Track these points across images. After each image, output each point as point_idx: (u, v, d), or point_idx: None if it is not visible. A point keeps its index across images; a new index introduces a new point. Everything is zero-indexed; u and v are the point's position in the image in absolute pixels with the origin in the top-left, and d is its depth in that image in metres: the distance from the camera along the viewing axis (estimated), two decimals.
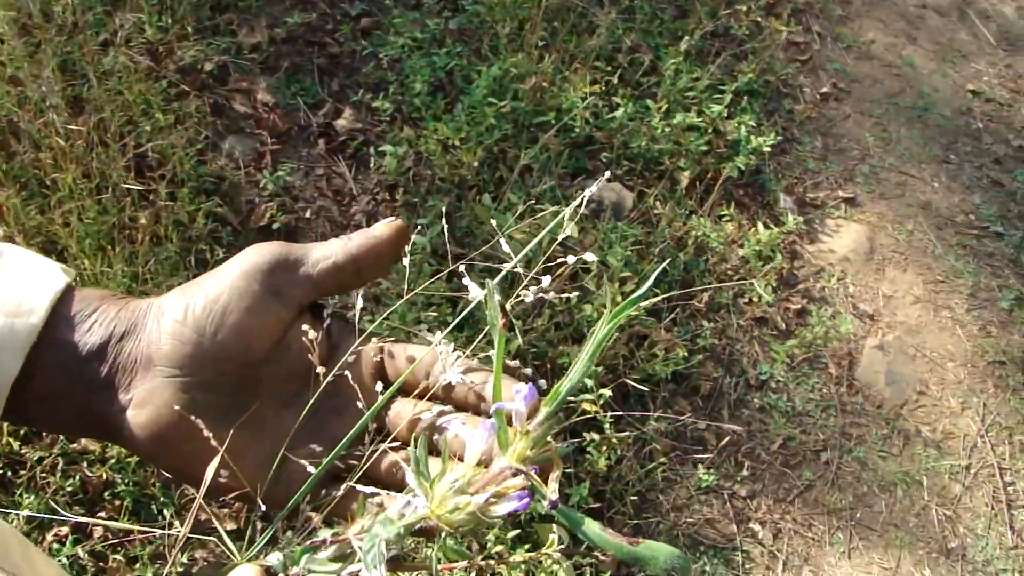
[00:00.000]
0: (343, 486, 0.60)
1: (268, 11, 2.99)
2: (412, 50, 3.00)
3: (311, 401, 0.61)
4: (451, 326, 0.67)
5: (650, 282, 0.59)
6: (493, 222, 2.46)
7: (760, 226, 2.87)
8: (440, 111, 2.85)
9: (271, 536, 0.60)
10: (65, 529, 2.04)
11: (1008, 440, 2.74)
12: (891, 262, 3.04)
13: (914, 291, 2.99)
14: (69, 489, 2.05)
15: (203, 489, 0.55)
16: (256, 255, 0.60)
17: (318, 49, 3.01)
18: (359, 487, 0.59)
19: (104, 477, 2.08)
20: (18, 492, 2.00)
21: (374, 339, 0.64)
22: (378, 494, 0.58)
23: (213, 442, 0.55)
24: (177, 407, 0.56)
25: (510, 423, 0.56)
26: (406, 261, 0.66)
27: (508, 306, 0.62)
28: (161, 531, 2.03)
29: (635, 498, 2.32)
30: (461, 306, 0.60)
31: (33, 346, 0.55)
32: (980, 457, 2.69)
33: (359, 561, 0.54)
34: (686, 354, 2.49)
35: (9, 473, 2.04)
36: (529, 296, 0.63)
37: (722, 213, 2.89)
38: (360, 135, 2.83)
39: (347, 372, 0.62)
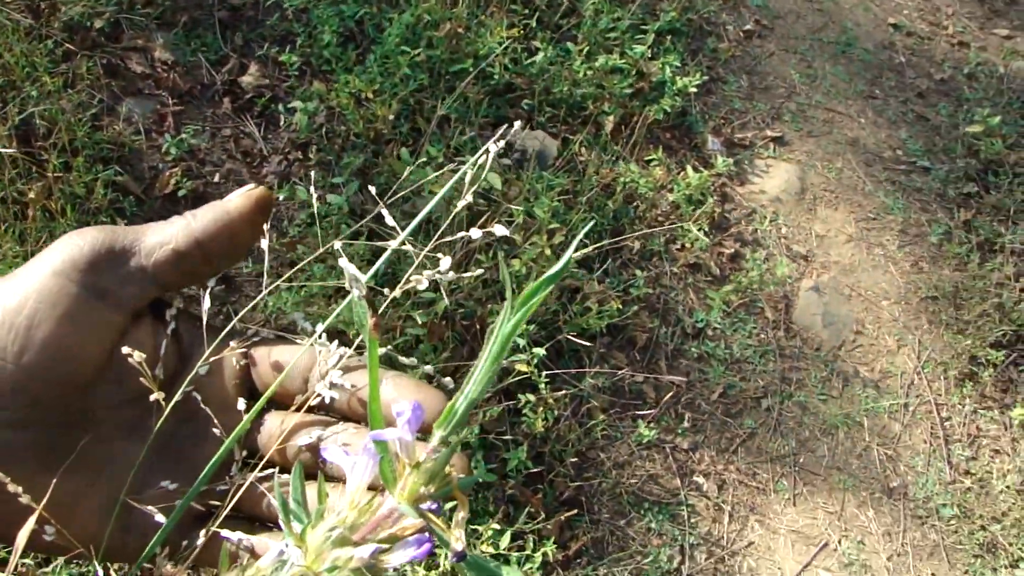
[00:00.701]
0: (206, 529, 0.48)
1: None
2: None
3: (155, 429, 0.47)
4: (328, 320, 0.54)
5: (562, 262, 0.48)
6: (410, 175, 2.33)
7: (689, 169, 2.78)
8: (351, 63, 2.69)
9: None
10: None
11: (943, 376, 2.73)
12: (822, 201, 2.99)
13: (846, 229, 2.94)
14: None
15: (15, 558, 0.41)
16: (71, 247, 0.46)
17: (218, 1, 2.80)
18: (224, 532, 0.46)
19: None
20: None
21: (234, 342, 0.51)
22: (246, 539, 0.46)
23: (22, 499, 0.42)
24: None
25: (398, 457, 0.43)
26: (317, 225, 0.53)
27: (398, 292, 0.50)
28: None
29: (575, 459, 2.23)
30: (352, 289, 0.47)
31: None
32: (917, 394, 2.67)
33: None
34: (620, 306, 2.40)
35: None
36: (423, 283, 0.51)
37: (650, 158, 2.79)
38: (267, 92, 2.65)
39: (203, 388, 0.49)
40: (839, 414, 2.56)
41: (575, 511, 2.18)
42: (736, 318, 2.64)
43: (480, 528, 1.95)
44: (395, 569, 0.41)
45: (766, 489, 2.39)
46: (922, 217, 3.05)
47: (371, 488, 0.43)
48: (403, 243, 0.53)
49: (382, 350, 0.49)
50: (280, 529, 0.46)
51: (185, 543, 0.49)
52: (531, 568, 1.98)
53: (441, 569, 1.84)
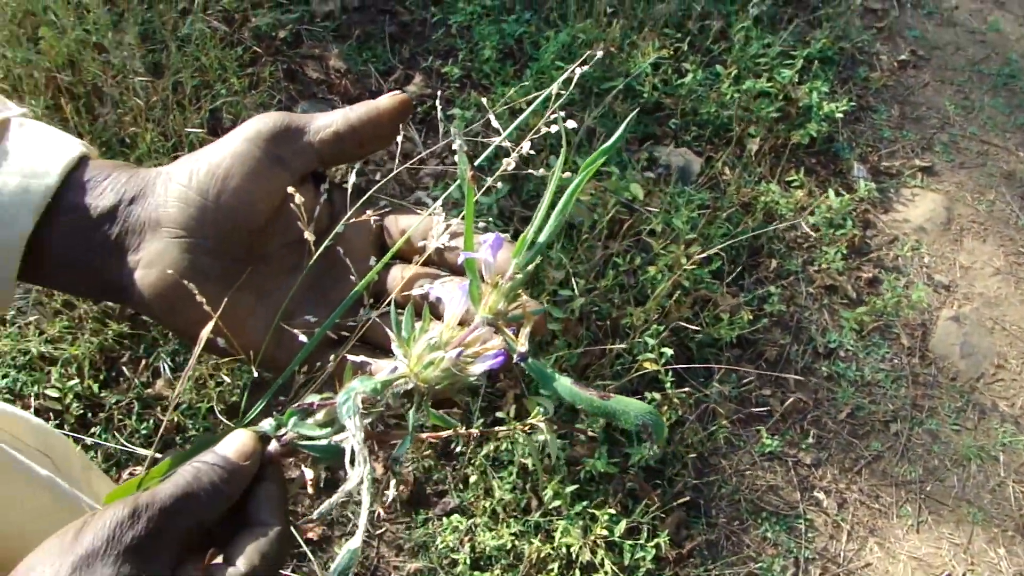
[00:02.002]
0: (336, 353, 0.61)
1: None
2: (481, 17, 3.00)
3: (307, 268, 0.61)
4: (443, 196, 0.68)
5: (619, 132, 0.59)
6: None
7: (831, 193, 2.81)
8: (509, 76, 2.86)
9: (266, 404, 0.62)
10: (139, 469, 2.11)
11: None
12: (970, 232, 2.95)
13: (994, 262, 2.89)
14: (143, 431, 2.12)
15: (196, 350, 0.56)
16: (259, 123, 0.61)
17: (389, 17, 3.04)
18: (349, 356, 0.59)
19: (176, 421, 2.14)
20: (96, 432, 2.08)
21: (371, 210, 0.64)
22: (369, 363, 0.59)
23: (206, 307, 0.57)
24: (172, 271, 0.57)
25: (484, 280, 0.56)
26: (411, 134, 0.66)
27: (490, 179, 0.62)
28: None
29: (696, 461, 2.30)
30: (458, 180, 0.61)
31: (47, 208, 0.57)
32: None
33: (341, 427, 0.55)
34: (751, 318, 2.45)
35: (88, 415, 2.12)
36: (511, 165, 0.63)
37: (791, 179, 2.84)
38: (429, 100, 2.85)
39: (345, 242, 0.63)
40: (973, 446, 2.53)
41: (692, 511, 2.25)
42: (870, 342, 2.64)
43: (598, 513, 2.05)
44: (476, 377, 0.54)
45: (888, 513, 2.39)
46: None
47: (463, 324, 0.56)
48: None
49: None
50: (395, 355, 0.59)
51: (319, 364, 0.63)
52: (644, 557, 2.06)
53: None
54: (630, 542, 2.07)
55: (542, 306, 0.56)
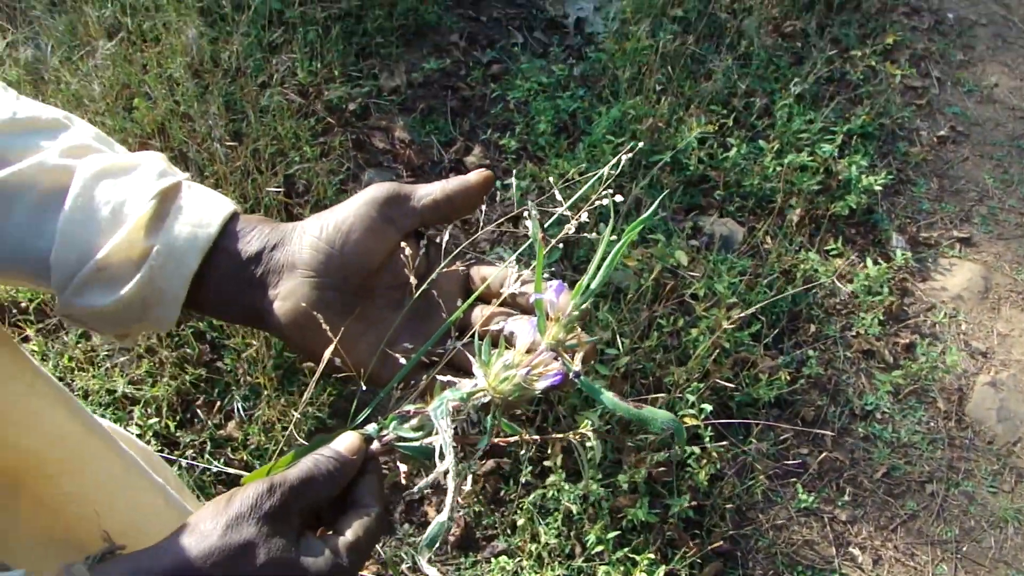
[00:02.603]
0: (430, 373, 0.78)
1: (407, 58, 3.28)
2: (538, 93, 3.22)
3: (407, 305, 0.79)
4: (515, 253, 0.85)
5: (657, 203, 0.77)
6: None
7: (869, 262, 2.93)
8: (563, 149, 3.06)
9: (370, 412, 0.79)
10: (215, 490, 2.29)
11: None
12: (1008, 301, 3.05)
13: None
14: (214, 470, 2.31)
15: (321, 365, 0.73)
16: (376, 190, 0.78)
17: (451, 92, 3.27)
18: (438, 377, 0.76)
19: (244, 459, 2.32)
20: (173, 467, 2.27)
21: (458, 262, 0.81)
22: (454, 382, 0.75)
23: (327, 329, 0.73)
24: (304, 304, 0.74)
25: (548, 316, 0.73)
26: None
27: (553, 240, 0.79)
28: None
29: (734, 513, 2.41)
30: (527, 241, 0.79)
31: (209, 251, 0.75)
32: None
33: (436, 431, 0.73)
34: (789, 379, 2.58)
35: (165, 450, 2.31)
36: (571, 229, 0.79)
37: (830, 248, 2.97)
38: (488, 170, 3.05)
39: (438, 286, 0.80)
40: (1010, 508, 2.59)
41: (729, 562, 2.35)
42: (906, 405, 2.74)
43: (638, 558, 2.17)
44: (540, 391, 0.70)
45: (924, 571, 2.46)
46: None
47: (530, 351, 0.72)
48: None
49: None
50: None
51: (413, 381, 0.79)
52: None
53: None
54: None
55: (593, 337, 0.73)
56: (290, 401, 2.34)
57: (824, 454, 2.58)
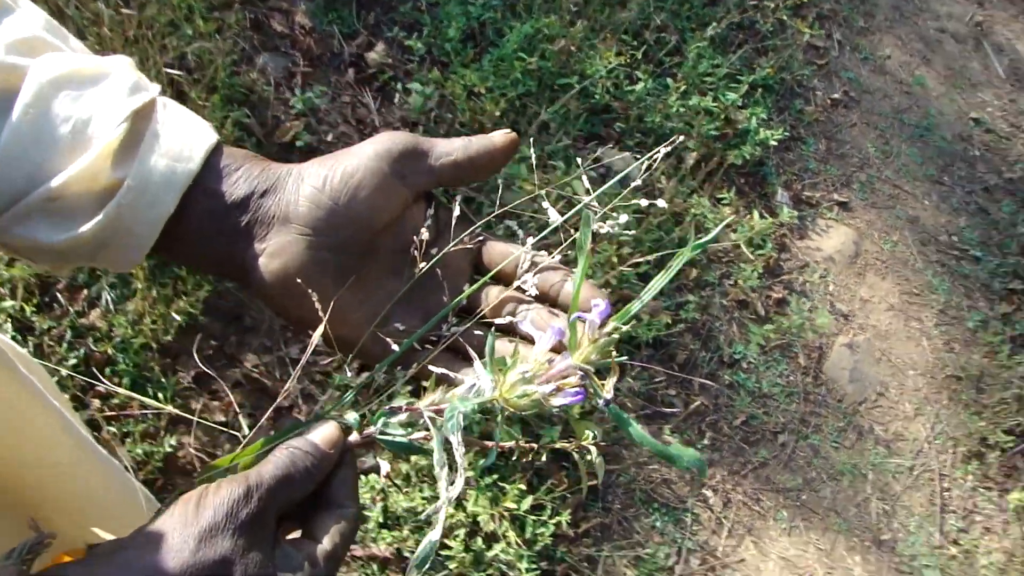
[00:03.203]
0: (423, 359, 0.72)
1: None
2: None
3: (415, 278, 0.71)
4: (539, 236, 0.79)
5: (717, 231, 0.73)
6: (505, 170, 2.58)
7: (755, 214, 3.00)
8: (469, 59, 2.95)
9: (352, 399, 0.72)
10: (66, 396, 2.15)
11: (952, 450, 2.91)
12: (872, 268, 3.19)
13: (889, 299, 3.14)
14: (72, 361, 2.16)
15: (314, 339, 0.66)
16: (390, 141, 0.69)
17: None
18: (431, 367, 0.69)
19: (107, 354, 2.19)
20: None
21: (472, 232, 0.74)
22: (450, 375, 0.69)
23: (315, 301, 0.66)
24: (296, 264, 0.66)
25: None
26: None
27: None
28: (186, 413, 2.14)
29: (600, 450, 2.46)
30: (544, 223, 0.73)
31: (188, 189, 0.65)
32: (923, 462, 2.86)
33: (423, 428, 0.67)
34: (669, 322, 2.63)
35: (18, 336, 2.15)
36: (604, 228, 0.74)
37: (721, 196, 3.02)
38: (389, 70, 2.92)
39: (447, 256, 0.73)
40: (848, 463, 2.76)
41: (591, 495, 2.42)
42: (771, 357, 2.85)
43: (508, 487, 2.19)
44: (556, 407, 0.65)
45: (766, 516, 2.60)
46: (964, 302, 3.23)
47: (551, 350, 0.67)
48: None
49: None
50: (471, 365, 0.70)
51: (401, 367, 0.73)
52: (543, 533, 2.22)
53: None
54: (533, 517, 2.22)
55: (622, 357, 0.68)
56: (162, 295, 2.21)
57: (693, 400, 2.67)
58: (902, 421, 2.91)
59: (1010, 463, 2.92)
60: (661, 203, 0.79)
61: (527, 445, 0.73)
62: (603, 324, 0.66)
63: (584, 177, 0.92)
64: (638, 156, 2.92)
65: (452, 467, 0.63)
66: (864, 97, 3.61)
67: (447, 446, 0.62)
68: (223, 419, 2.24)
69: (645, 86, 3.02)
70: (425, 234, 0.72)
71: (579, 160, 2.85)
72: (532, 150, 2.70)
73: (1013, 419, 2.93)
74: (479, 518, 2.17)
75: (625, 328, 0.67)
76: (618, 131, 3.01)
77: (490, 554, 2.17)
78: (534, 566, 2.18)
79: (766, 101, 3.29)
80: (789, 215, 3.07)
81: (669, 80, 3.10)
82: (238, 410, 2.12)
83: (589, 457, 0.71)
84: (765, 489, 2.64)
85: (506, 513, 2.20)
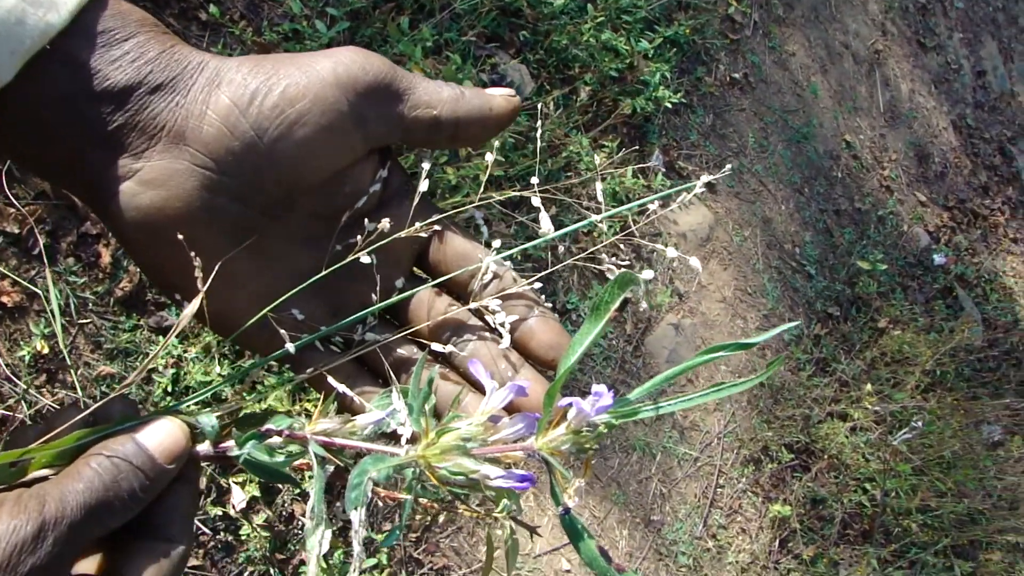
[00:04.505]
0: (325, 364, 0.53)
1: None
2: None
3: (340, 263, 0.52)
4: (514, 250, 0.60)
5: (762, 338, 0.57)
6: (400, 46, 2.33)
7: (630, 171, 2.90)
8: None
9: (212, 394, 0.52)
10: None
11: (736, 450, 2.98)
12: (718, 257, 3.18)
13: (725, 291, 3.15)
14: None
15: (188, 311, 0.45)
16: (358, 66, 0.49)
17: None
18: (332, 381, 0.51)
19: None
20: None
21: (419, 223, 0.55)
22: (354, 399, 0.52)
23: (197, 268, 0.46)
24: (180, 205, 0.46)
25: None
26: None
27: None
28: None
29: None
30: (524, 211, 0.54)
31: (41, 53, 0.42)
32: (709, 455, 2.91)
33: (305, 458, 0.48)
34: (519, 257, 2.49)
35: None
36: (643, 303, 0.59)
37: (604, 143, 2.89)
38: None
39: (385, 238, 0.54)
40: (642, 440, 2.76)
41: None
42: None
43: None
44: (493, 488, 0.48)
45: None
46: (786, 314, 3.30)
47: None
48: None
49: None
50: (382, 387, 0.52)
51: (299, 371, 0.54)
52: None
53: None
54: None
55: (593, 451, 0.51)
56: None
57: None
58: (701, 413, 2.94)
59: (780, 475, 3.03)
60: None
61: (438, 507, 0.56)
62: (591, 421, 0.50)
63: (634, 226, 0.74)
64: (534, 73, 2.73)
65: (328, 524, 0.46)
66: (760, 86, 3.56)
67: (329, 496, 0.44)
68: (15, 231, 1.88)
69: (564, 2, 2.81)
70: (366, 203, 0.53)
71: (475, 62, 2.63)
72: (428, 32, 2.45)
73: (796, 436, 3.03)
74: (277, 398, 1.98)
75: (616, 423, 0.51)
76: (521, 40, 2.80)
77: None
78: None
79: (672, 60, 3.16)
80: (660, 182, 2.99)
81: (589, 6, 2.90)
82: (35, 227, 1.79)
83: (502, 534, 0.55)
84: None
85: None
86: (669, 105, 3.02)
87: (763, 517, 2.97)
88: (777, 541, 2.96)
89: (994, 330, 3.92)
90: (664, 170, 3.08)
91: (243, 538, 1.98)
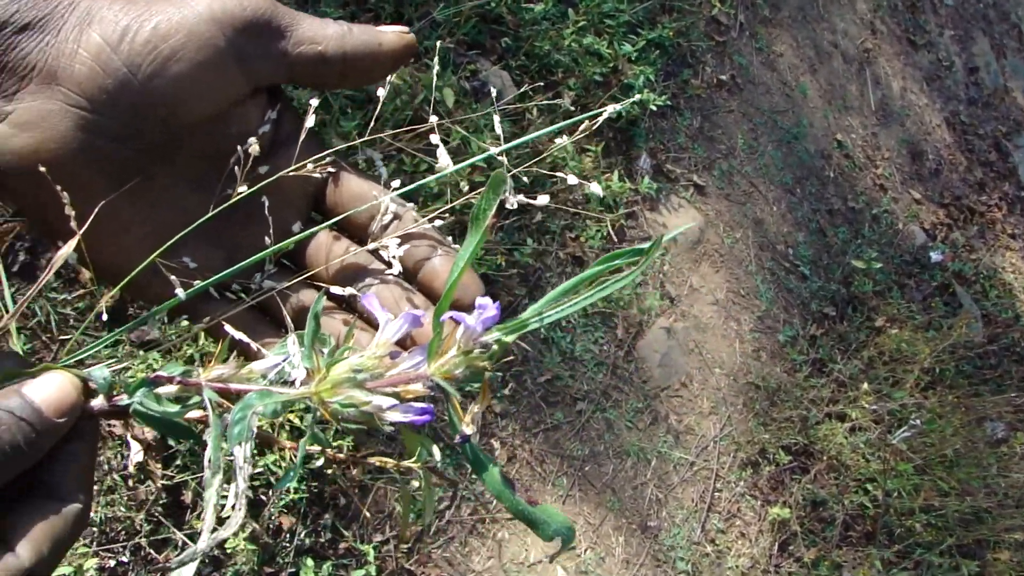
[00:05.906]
0: (221, 313, 0.52)
1: None
2: None
3: (231, 200, 0.50)
4: (411, 186, 0.59)
5: (668, 236, 0.54)
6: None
7: (615, 174, 2.88)
8: None
9: (105, 348, 0.50)
10: None
11: (733, 454, 2.95)
12: (709, 259, 3.16)
13: (717, 293, 3.12)
14: None
15: (59, 257, 0.44)
16: (235, 2, 0.47)
17: None
18: (228, 328, 0.50)
19: None
20: None
21: (312, 163, 0.54)
22: (250, 344, 0.50)
23: (68, 208, 0.44)
24: (55, 147, 0.44)
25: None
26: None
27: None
28: None
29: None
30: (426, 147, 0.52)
31: None
32: (705, 459, 2.88)
33: (200, 407, 0.46)
34: (502, 263, 2.47)
35: None
36: (513, 201, 0.56)
37: (588, 147, 2.88)
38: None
39: (279, 180, 0.53)
40: (636, 445, 2.73)
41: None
42: (591, 322, 2.76)
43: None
44: (389, 424, 0.46)
45: (546, 479, 2.53)
46: (781, 315, 3.27)
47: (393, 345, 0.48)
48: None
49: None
50: (283, 335, 0.50)
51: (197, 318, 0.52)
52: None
53: None
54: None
55: (496, 375, 0.49)
56: None
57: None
58: (696, 416, 2.91)
59: (779, 478, 3.00)
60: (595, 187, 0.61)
61: (341, 456, 0.54)
62: (485, 331, 0.48)
63: (496, 118, 0.72)
64: (517, 79, 2.72)
65: (230, 479, 0.44)
66: (748, 87, 3.54)
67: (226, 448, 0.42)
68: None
69: (545, 8, 2.80)
70: (255, 145, 0.51)
71: (455, 69, 2.62)
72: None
73: (793, 438, 3.00)
74: None
75: (508, 340, 0.48)
76: (503, 47, 2.79)
77: (261, 462, 1.97)
78: (303, 485, 2.01)
79: (657, 63, 3.15)
80: (648, 185, 2.97)
81: (570, 11, 2.90)
82: (13, 243, 1.79)
83: (417, 484, 0.53)
84: (552, 453, 2.57)
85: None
86: (654, 108, 3.00)
87: (762, 520, 2.93)
88: (777, 544, 2.92)
89: (994, 326, 3.88)
90: (651, 173, 3.06)
91: (230, 551, 1.96)
